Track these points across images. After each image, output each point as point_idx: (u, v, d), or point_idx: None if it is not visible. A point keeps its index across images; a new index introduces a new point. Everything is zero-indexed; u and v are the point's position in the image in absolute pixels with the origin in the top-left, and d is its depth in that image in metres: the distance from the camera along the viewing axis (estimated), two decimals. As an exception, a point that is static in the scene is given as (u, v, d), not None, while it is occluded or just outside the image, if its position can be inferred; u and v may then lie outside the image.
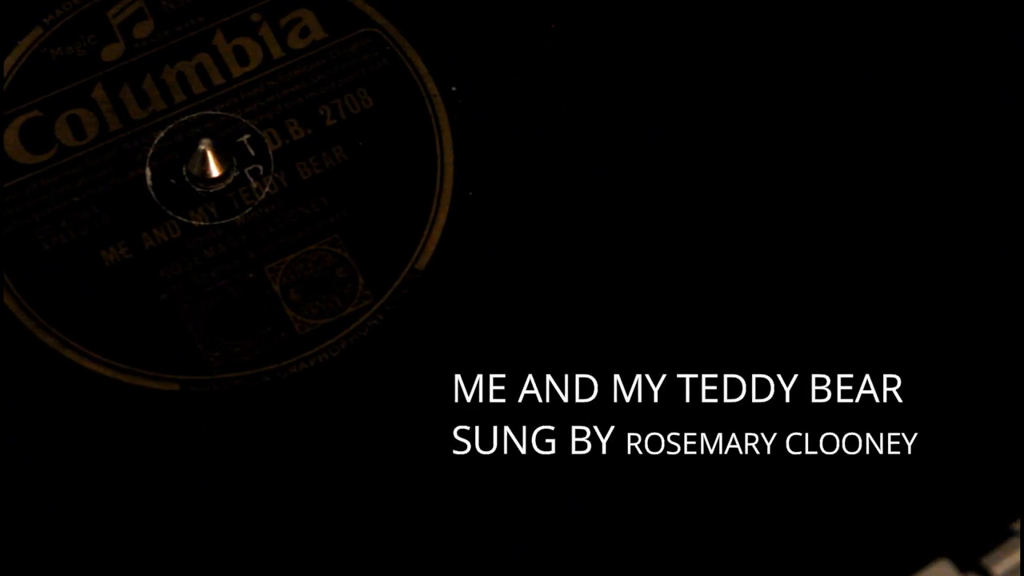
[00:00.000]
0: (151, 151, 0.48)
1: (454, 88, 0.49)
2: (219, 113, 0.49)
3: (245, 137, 0.49)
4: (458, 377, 0.46)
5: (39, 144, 0.49)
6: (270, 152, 0.49)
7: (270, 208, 0.48)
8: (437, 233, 0.48)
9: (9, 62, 0.49)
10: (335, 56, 0.50)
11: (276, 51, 0.50)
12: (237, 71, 0.49)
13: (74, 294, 0.47)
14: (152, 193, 0.48)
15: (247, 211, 0.48)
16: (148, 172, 0.48)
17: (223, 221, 0.48)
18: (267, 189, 0.48)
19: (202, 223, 0.48)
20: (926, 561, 0.43)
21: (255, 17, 0.50)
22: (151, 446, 0.46)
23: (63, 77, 0.49)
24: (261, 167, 0.48)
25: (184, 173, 0.48)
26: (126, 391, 0.46)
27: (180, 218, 0.48)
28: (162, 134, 0.49)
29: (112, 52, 0.50)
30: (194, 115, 0.49)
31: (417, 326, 0.47)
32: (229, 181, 0.48)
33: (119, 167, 0.48)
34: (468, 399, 0.46)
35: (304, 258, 0.47)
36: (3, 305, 0.47)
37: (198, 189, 0.48)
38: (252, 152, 0.49)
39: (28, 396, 0.46)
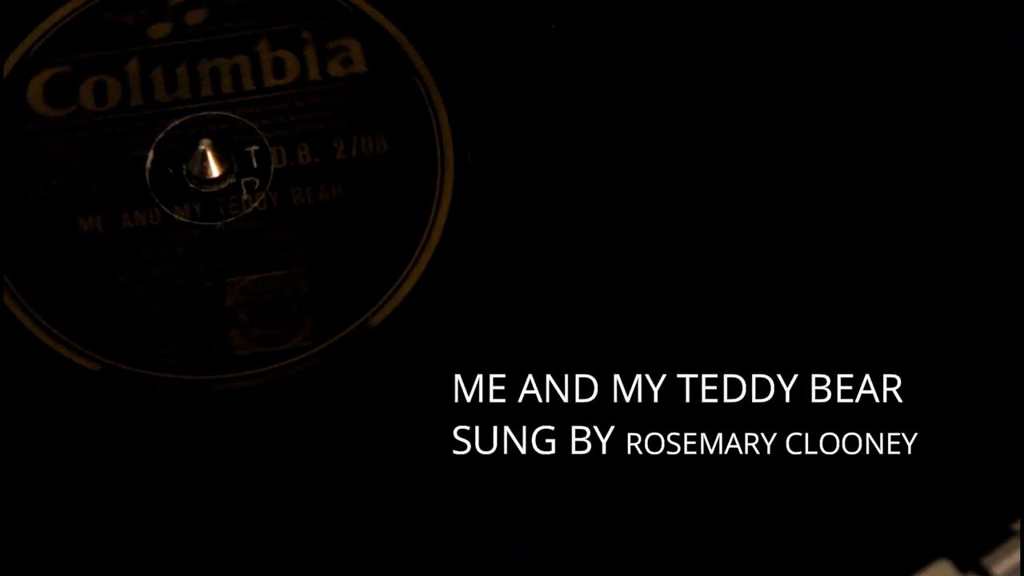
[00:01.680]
0: (160, 135, 0.48)
1: (469, 155, 0.49)
2: (237, 117, 0.49)
3: (253, 148, 0.48)
4: (458, 377, 0.46)
5: (60, 99, 0.49)
6: (271, 169, 0.48)
7: (252, 224, 0.48)
8: (401, 294, 0.47)
9: (60, 14, 0.49)
10: (368, 94, 0.49)
11: (313, 73, 0.49)
12: (270, 82, 0.49)
13: (48, 262, 0.47)
14: (147, 177, 0.48)
15: (229, 219, 0.48)
16: (150, 155, 0.48)
17: (203, 223, 0.48)
18: (256, 204, 0.48)
19: (183, 219, 0.48)
20: (926, 561, 0.43)
21: (305, 35, 0.50)
22: (150, 445, 0.46)
23: (104, 42, 0.49)
24: (258, 180, 0.48)
25: (183, 168, 0.48)
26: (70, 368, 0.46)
27: (164, 208, 0.48)
28: (176, 122, 0.49)
29: (159, 31, 0.50)
30: (213, 112, 0.49)
31: (417, 326, 0.47)
32: (223, 185, 0.48)
33: (126, 143, 0.48)
34: (468, 399, 0.46)
35: (264, 281, 0.47)
36: (2, 304, 0.47)
37: (192, 185, 0.48)
38: (255, 164, 0.48)
39: (25, 395, 0.46)
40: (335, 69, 0.50)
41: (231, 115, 0.49)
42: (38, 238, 0.47)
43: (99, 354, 0.46)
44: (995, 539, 0.43)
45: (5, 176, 0.48)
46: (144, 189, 0.48)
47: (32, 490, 0.45)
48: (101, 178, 0.48)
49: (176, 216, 0.48)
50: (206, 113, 0.49)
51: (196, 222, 0.48)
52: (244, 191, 0.48)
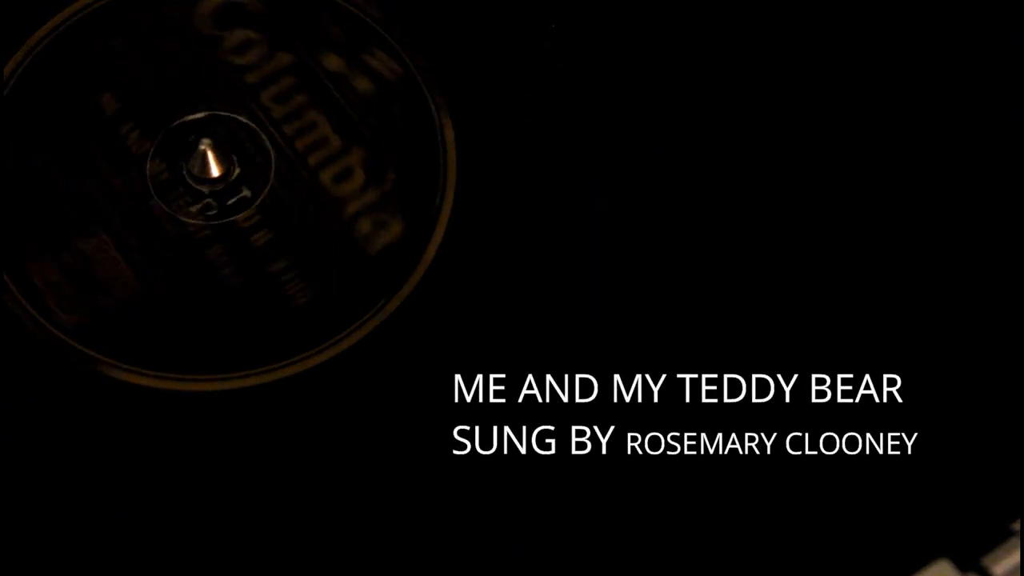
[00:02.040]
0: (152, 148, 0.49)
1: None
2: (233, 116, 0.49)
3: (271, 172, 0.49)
4: (458, 377, 0.46)
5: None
6: (272, 158, 0.49)
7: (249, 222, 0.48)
8: (402, 295, 0.47)
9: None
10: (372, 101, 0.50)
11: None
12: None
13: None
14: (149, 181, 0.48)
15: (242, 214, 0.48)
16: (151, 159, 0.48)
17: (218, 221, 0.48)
18: (259, 199, 0.48)
19: (197, 221, 0.48)
20: (926, 561, 0.43)
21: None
22: (151, 445, 0.46)
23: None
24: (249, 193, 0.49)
25: (183, 169, 0.48)
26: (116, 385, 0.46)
27: (167, 209, 0.48)
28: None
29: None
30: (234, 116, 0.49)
31: (417, 327, 0.47)
32: (222, 187, 0.48)
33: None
34: (468, 399, 0.46)
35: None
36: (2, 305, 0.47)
37: (197, 187, 0.48)
38: (257, 162, 0.49)
39: (27, 395, 0.46)
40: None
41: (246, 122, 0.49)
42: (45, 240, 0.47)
43: (101, 354, 0.47)
44: (995, 539, 0.43)
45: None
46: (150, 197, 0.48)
47: (32, 490, 0.45)
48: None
49: (190, 220, 0.48)
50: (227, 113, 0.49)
51: (213, 222, 0.48)
52: (244, 190, 0.48)
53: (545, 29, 0.51)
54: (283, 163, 0.48)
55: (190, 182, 0.48)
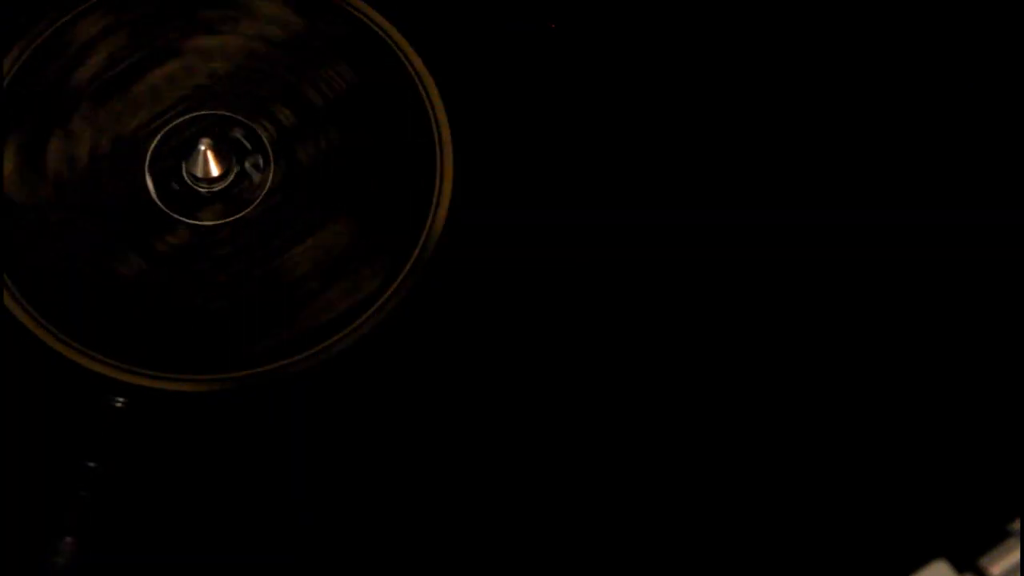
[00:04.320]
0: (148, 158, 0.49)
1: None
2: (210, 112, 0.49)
3: (239, 131, 0.49)
4: (455, 376, 0.46)
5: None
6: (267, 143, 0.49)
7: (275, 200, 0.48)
8: (402, 294, 0.48)
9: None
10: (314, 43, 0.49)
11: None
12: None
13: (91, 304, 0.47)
14: (157, 200, 0.48)
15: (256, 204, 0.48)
16: (149, 180, 0.48)
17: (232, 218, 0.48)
18: (269, 182, 0.48)
19: (212, 222, 0.48)
20: (924, 561, 0.43)
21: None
22: (152, 446, 0.46)
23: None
24: (260, 157, 0.48)
25: (184, 170, 0.48)
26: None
27: (189, 221, 0.48)
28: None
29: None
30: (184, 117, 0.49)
31: (417, 326, 0.47)
32: (231, 179, 0.48)
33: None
34: (465, 399, 0.46)
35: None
36: (3, 306, 0.47)
37: (202, 190, 0.48)
38: (248, 145, 0.49)
39: (27, 396, 0.46)
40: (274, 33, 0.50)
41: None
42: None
43: (102, 354, 0.47)
44: (992, 539, 0.43)
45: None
46: (161, 212, 0.48)
47: (33, 490, 0.45)
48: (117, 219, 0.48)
49: (204, 222, 0.48)
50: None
51: (226, 220, 0.48)
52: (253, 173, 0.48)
53: (545, 29, 0.51)
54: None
55: (190, 182, 0.48)
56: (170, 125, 0.49)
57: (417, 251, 0.48)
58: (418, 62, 0.49)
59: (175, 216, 0.48)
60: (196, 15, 0.50)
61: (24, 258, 0.47)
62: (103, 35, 0.49)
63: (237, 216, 0.48)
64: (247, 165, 0.48)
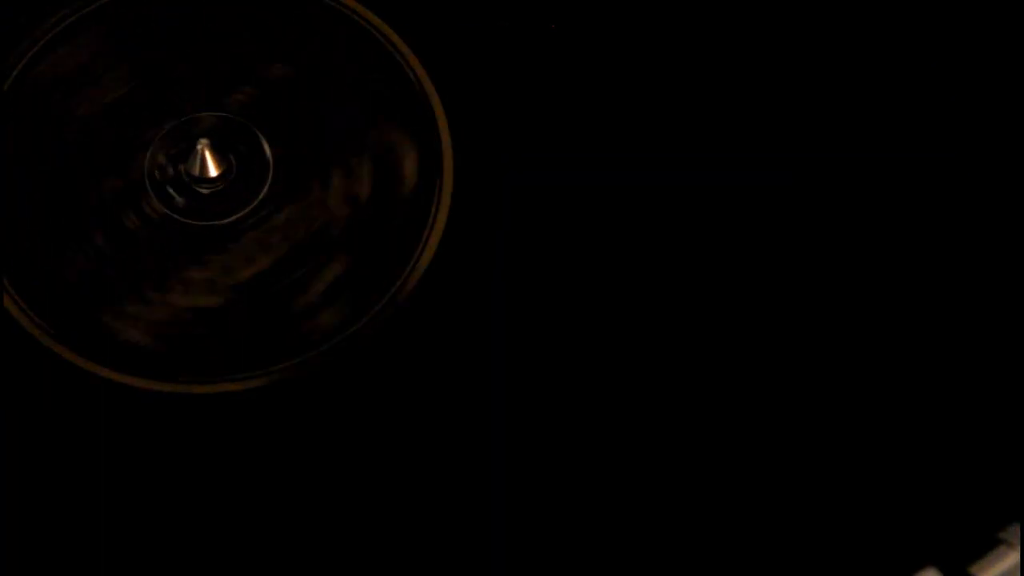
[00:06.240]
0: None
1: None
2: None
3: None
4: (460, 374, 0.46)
5: None
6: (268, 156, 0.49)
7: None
8: (402, 294, 0.48)
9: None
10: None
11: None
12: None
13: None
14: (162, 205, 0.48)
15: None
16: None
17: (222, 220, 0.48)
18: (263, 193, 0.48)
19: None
20: (914, 569, 0.43)
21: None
22: (151, 447, 0.46)
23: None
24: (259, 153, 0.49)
25: (182, 169, 0.48)
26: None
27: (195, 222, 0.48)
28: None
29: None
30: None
31: (417, 326, 0.47)
32: (231, 177, 0.48)
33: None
34: (468, 397, 0.46)
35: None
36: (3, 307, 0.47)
37: (205, 191, 0.48)
38: (244, 145, 0.49)
39: (27, 397, 0.46)
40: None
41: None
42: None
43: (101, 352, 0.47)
44: (982, 547, 0.43)
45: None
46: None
47: (32, 489, 0.45)
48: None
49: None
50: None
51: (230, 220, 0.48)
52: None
53: (545, 29, 0.51)
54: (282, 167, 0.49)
55: (188, 182, 0.48)
56: (164, 130, 0.49)
57: (435, 194, 0.48)
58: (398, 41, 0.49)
59: (182, 219, 0.48)
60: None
61: (34, 273, 0.47)
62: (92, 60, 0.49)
63: (240, 213, 0.48)
64: (246, 159, 0.48)
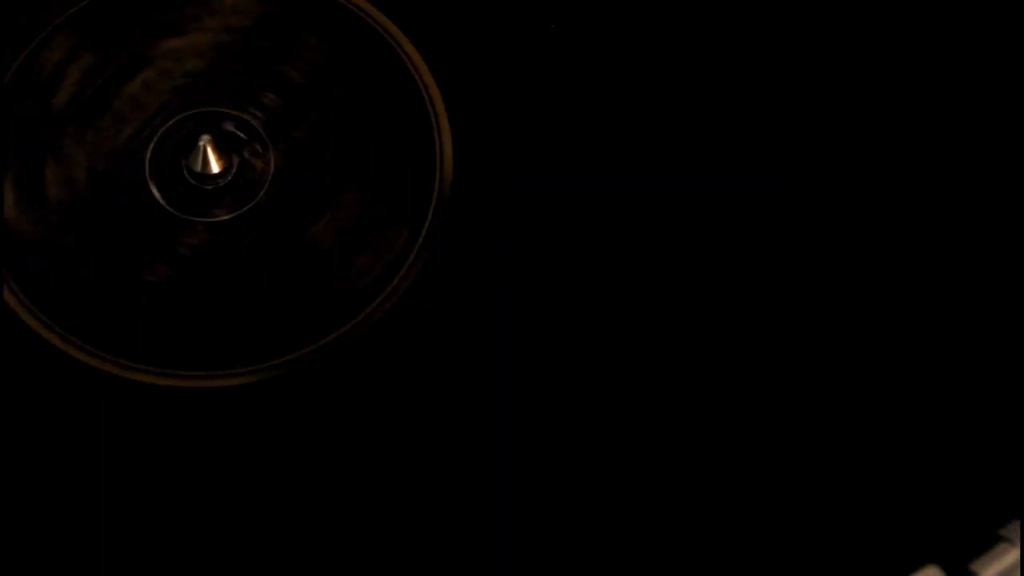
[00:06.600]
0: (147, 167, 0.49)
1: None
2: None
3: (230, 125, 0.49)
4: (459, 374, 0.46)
5: None
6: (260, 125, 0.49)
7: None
8: (401, 293, 0.48)
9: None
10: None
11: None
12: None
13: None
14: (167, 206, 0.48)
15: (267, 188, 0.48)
16: (154, 188, 0.48)
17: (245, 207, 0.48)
18: (272, 163, 0.48)
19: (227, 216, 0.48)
20: (916, 566, 0.43)
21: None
22: (152, 444, 0.46)
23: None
24: (258, 144, 0.49)
25: (184, 166, 0.48)
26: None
27: (205, 219, 0.48)
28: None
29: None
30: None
31: (416, 326, 0.47)
32: (234, 171, 0.48)
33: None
34: (468, 396, 0.46)
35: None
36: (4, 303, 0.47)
37: (208, 187, 0.48)
38: (243, 136, 0.49)
39: (27, 394, 0.46)
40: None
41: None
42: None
43: (101, 351, 0.47)
44: (983, 544, 0.43)
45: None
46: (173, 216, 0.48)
47: (33, 488, 0.45)
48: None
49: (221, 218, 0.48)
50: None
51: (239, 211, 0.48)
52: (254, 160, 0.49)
53: (546, 29, 0.51)
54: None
55: (190, 179, 0.48)
56: (160, 130, 0.49)
57: (435, 192, 0.48)
58: (384, 20, 0.49)
59: (188, 217, 0.48)
60: (155, 20, 0.49)
61: (44, 280, 0.47)
62: (69, 59, 0.49)
63: (248, 206, 0.48)
64: (246, 155, 0.48)
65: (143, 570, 0.45)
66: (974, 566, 0.43)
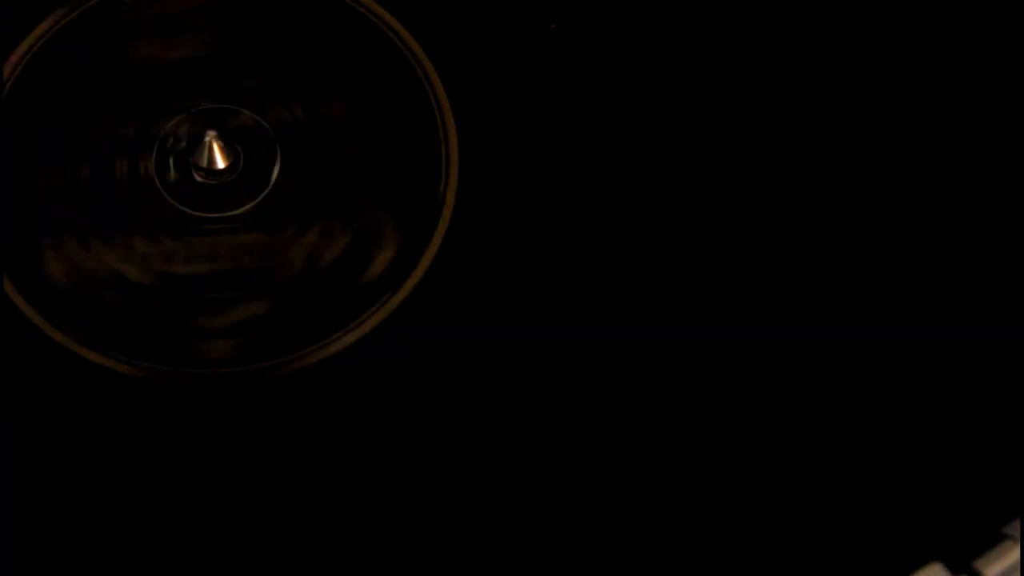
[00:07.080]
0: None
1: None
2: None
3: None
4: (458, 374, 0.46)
5: None
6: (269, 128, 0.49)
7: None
8: (401, 293, 0.48)
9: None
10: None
11: None
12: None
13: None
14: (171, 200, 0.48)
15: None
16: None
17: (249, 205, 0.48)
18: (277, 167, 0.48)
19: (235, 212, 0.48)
20: (919, 564, 0.43)
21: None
22: (153, 442, 0.46)
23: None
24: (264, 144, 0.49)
25: (190, 162, 0.48)
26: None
27: (210, 215, 0.48)
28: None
29: None
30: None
31: (417, 325, 0.47)
32: (240, 168, 0.48)
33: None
34: (469, 396, 0.46)
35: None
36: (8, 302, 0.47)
37: (213, 183, 0.48)
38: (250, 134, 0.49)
39: (28, 393, 0.46)
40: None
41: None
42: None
43: (102, 349, 0.47)
44: (987, 542, 0.43)
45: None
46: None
47: (32, 487, 0.45)
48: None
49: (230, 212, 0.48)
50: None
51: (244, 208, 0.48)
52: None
53: (545, 29, 0.51)
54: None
55: (196, 175, 0.48)
56: (165, 127, 0.49)
57: (440, 193, 0.48)
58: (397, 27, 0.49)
59: (195, 213, 0.48)
60: (155, 18, 0.50)
61: (52, 281, 0.47)
62: (70, 59, 0.49)
63: (250, 205, 0.48)
64: (251, 152, 0.48)
65: (143, 570, 0.44)
66: (978, 564, 0.43)
